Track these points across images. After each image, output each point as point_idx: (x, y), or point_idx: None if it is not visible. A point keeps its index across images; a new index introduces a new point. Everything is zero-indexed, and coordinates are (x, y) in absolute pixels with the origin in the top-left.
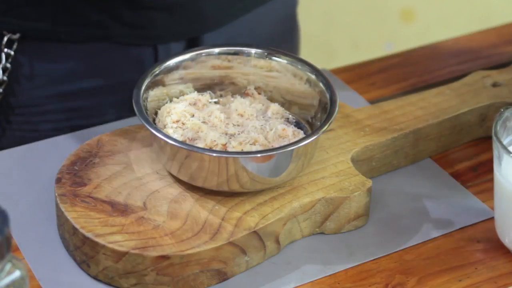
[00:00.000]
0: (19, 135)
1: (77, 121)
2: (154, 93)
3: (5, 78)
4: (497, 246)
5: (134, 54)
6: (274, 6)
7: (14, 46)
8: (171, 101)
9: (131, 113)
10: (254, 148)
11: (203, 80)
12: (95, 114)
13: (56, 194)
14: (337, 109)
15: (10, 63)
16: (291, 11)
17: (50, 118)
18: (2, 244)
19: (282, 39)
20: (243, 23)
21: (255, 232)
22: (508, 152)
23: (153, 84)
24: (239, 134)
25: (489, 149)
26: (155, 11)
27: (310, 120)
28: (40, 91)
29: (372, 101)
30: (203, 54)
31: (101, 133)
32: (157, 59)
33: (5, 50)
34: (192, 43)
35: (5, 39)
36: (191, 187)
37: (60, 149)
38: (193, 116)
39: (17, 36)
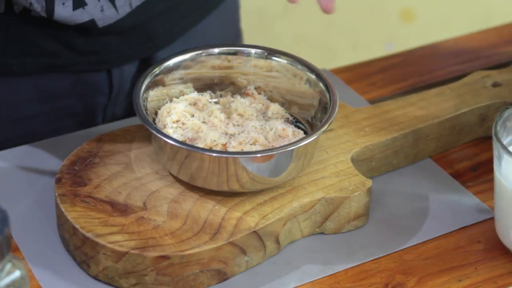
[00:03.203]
0: None
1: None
2: (154, 93)
3: None
4: (497, 246)
5: (87, 80)
6: (217, 16)
7: None
8: (171, 101)
9: (126, 116)
10: (254, 148)
11: (203, 80)
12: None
13: (56, 194)
14: (337, 109)
15: None
16: (234, 17)
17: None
18: (2, 244)
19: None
20: (191, 35)
21: (255, 232)
22: (508, 152)
23: (153, 84)
24: (239, 134)
25: (489, 149)
26: (108, 36)
27: (310, 120)
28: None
29: (372, 101)
30: (203, 54)
31: (101, 133)
32: (112, 83)
33: None
34: (145, 63)
35: None
36: (191, 187)
37: (60, 149)
38: (193, 116)
39: None
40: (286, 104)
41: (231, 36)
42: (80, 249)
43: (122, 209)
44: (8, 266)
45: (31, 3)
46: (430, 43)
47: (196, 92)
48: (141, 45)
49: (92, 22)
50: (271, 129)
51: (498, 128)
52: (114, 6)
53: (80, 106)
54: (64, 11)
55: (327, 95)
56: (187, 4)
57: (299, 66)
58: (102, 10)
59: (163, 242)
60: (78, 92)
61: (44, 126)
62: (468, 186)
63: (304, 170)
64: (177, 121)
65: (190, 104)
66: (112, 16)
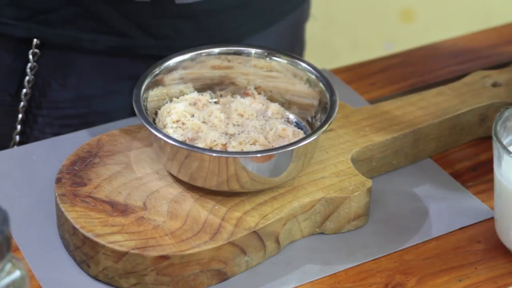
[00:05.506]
0: (43, 138)
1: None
2: (154, 93)
3: (32, 77)
4: (497, 246)
5: None
6: (287, 24)
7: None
8: (171, 101)
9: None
10: (254, 148)
11: (203, 80)
12: (114, 117)
13: (56, 194)
14: (337, 109)
15: (37, 61)
16: (301, 29)
17: (70, 123)
18: (2, 244)
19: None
20: (258, 39)
21: (255, 232)
22: (508, 152)
23: (153, 84)
24: (239, 134)
25: (489, 149)
26: (181, 20)
27: (310, 120)
28: (64, 94)
29: (372, 101)
30: (203, 54)
31: (101, 133)
32: None
33: (34, 49)
34: None
35: (35, 40)
36: (191, 187)
37: (60, 149)
38: (193, 116)
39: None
40: (286, 104)
41: (295, 47)
42: (80, 249)
43: (122, 209)
44: (8, 266)
45: None
46: (430, 43)
47: (196, 92)
48: (211, 36)
49: None
50: (271, 129)
51: (498, 128)
52: None
53: None
54: None
55: (327, 95)
56: (259, 5)
57: (299, 66)
58: None
59: (163, 242)
60: None
61: (118, 105)
62: (468, 186)
63: (304, 170)
64: (177, 121)
65: (190, 104)
66: None
